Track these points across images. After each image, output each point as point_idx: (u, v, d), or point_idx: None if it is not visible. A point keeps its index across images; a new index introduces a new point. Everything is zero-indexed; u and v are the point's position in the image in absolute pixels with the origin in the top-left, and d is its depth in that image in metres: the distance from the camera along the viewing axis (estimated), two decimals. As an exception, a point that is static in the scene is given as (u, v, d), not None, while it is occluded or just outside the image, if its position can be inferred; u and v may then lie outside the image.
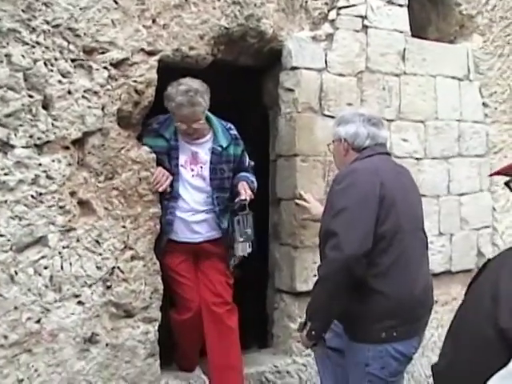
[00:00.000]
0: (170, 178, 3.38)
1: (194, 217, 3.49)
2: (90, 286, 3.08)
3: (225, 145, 3.52)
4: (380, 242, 2.64)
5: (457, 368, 1.86)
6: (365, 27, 4.12)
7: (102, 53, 3.10)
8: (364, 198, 2.65)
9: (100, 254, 3.11)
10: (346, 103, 3.97)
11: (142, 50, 3.24)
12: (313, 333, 2.73)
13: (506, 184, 1.89)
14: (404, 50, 4.31)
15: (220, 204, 3.52)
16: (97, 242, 3.10)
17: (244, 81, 4.13)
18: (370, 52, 4.13)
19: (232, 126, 3.61)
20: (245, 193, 3.44)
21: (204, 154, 3.52)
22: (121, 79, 3.17)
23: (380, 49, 4.18)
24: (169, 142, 3.43)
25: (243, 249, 3.46)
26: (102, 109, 3.11)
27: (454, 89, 4.62)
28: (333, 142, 3.10)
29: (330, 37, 3.98)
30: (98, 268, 3.10)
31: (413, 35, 4.41)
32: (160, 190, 3.31)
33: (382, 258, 2.66)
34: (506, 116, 4.96)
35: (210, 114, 3.52)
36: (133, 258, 3.22)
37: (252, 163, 3.77)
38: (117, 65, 3.16)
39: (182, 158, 3.48)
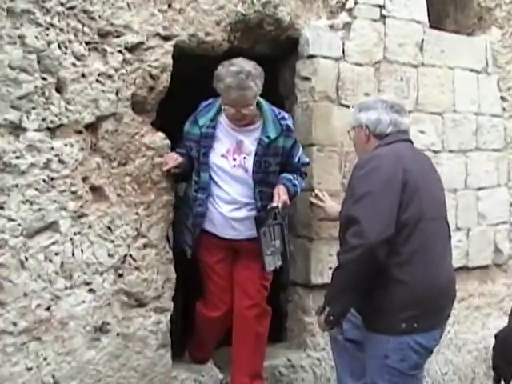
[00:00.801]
0: (180, 159, 3.25)
1: (234, 213, 3.28)
2: (102, 273, 3.02)
3: (273, 136, 3.25)
4: (402, 229, 2.58)
5: None
6: (383, 17, 4.04)
7: (117, 36, 3.05)
8: (387, 182, 2.58)
9: (112, 241, 3.05)
10: (364, 93, 3.89)
11: (158, 34, 3.18)
12: (331, 318, 2.68)
13: None
14: (422, 40, 4.23)
15: (263, 199, 3.27)
16: (109, 228, 3.04)
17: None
18: (387, 42, 4.06)
19: (286, 116, 3.37)
20: (278, 199, 3.20)
21: (249, 144, 3.28)
22: (135, 63, 3.12)
23: (398, 39, 4.10)
24: (200, 129, 3.25)
25: (271, 263, 3.21)
26: (116, 93, 3.05)
27: (472, 81, 4.53)
28: (353, 128, 3.02)
29: (347, 26, 3.90)
30: (110, 255, 3.04)
31: (430, 27, 4.33)
32: (164, 169, 3.18)
33: (404, 247, 2.60)
34: (524, 111, 4.87)
35: (262, 100, 3.30)
36: (145, 245, 3.16)
37: (306, 159, 3.50)
38: (132, 49, 3.10)
39: (224, 147, 3.28)
